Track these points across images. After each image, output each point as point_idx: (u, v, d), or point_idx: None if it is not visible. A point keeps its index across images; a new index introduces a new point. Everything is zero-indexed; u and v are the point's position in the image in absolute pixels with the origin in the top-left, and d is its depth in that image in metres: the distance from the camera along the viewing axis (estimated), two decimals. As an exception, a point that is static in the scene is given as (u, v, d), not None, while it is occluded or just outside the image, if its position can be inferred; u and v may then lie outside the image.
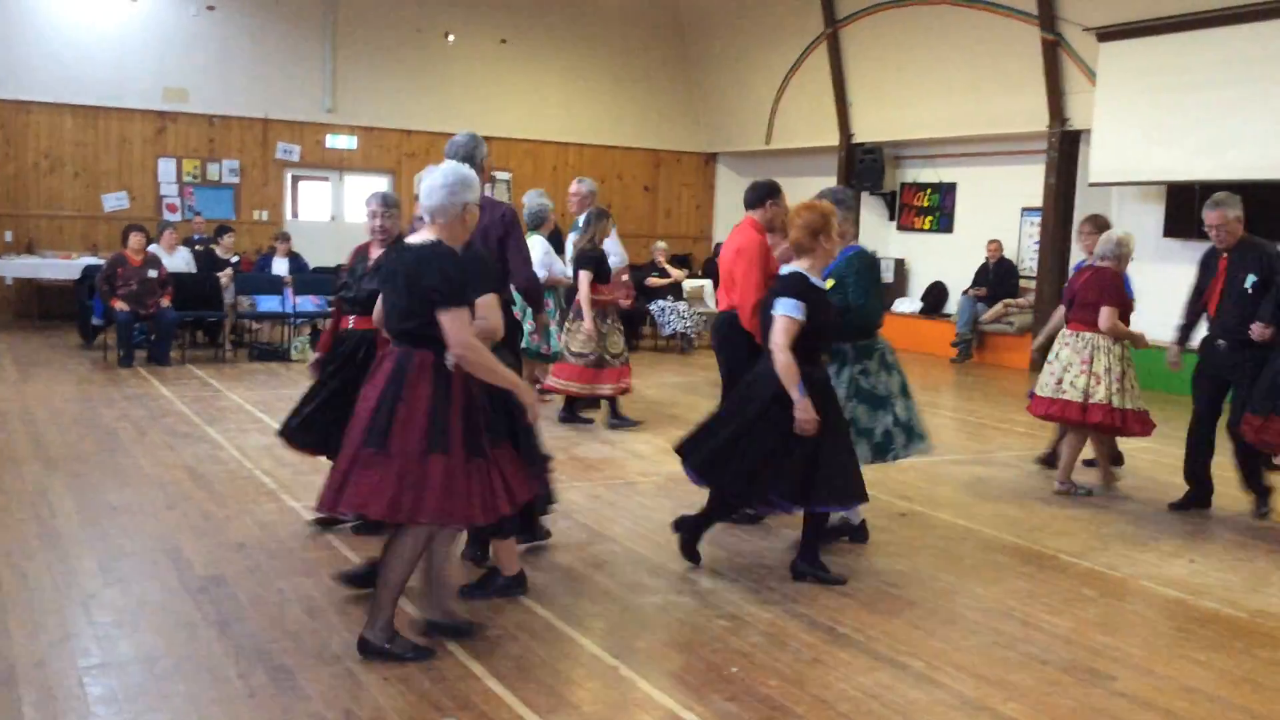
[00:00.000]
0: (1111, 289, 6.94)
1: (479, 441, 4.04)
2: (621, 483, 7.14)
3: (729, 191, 19.09)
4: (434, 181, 4.06)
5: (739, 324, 5.91)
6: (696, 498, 6.55)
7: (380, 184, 16.63)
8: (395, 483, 3.87)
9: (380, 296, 4.38)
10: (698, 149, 19.32)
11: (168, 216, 15.46)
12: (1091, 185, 12.75)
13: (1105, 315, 6.88)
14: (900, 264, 16.26)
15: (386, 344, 4.26)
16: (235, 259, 13.67)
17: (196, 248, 13.52)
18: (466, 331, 3.93)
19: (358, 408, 4.08)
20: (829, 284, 5.47)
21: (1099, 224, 7.58)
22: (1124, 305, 7.02)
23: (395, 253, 4.21)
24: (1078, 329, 7.04)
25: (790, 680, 4.09)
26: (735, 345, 5.94)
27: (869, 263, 5.75)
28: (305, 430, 5.65)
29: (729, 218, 17.64)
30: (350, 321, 5.74)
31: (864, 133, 16.07)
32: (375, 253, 5.60)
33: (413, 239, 4.11)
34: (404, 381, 3.95)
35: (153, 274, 11.67)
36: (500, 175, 17.85)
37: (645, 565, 5.44)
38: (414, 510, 3.90)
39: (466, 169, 4.15)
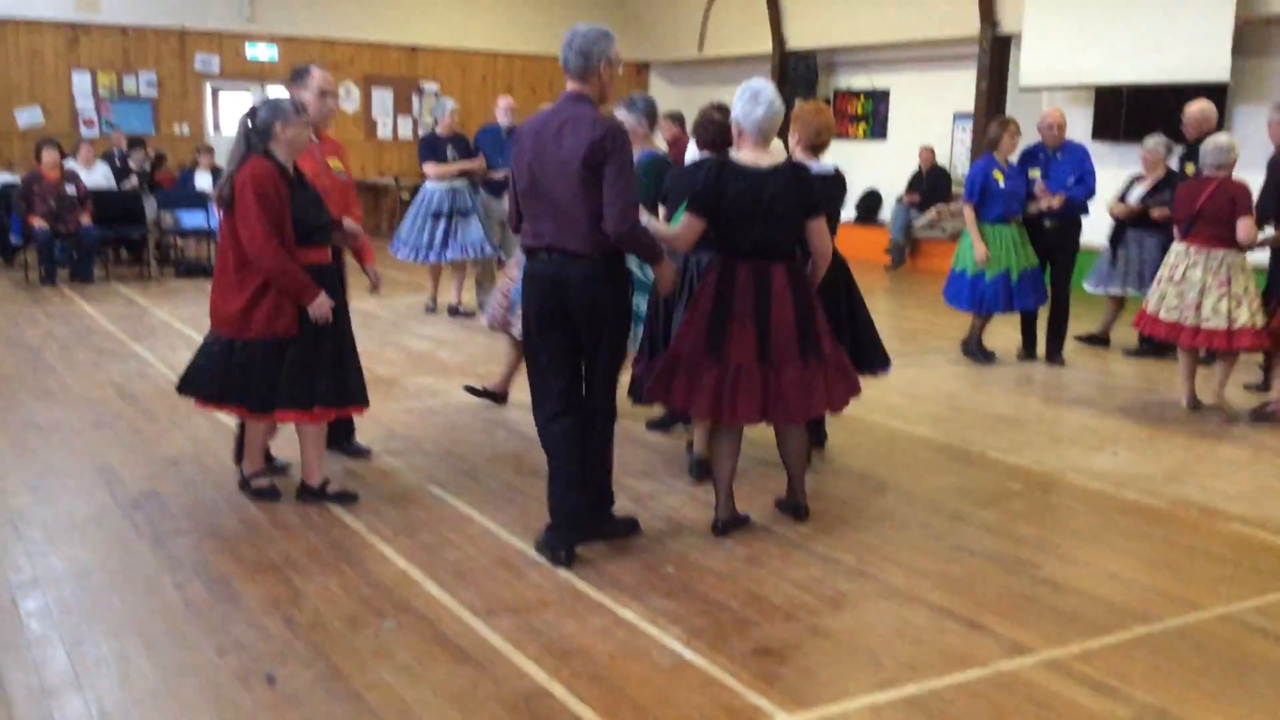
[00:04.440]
0: (1246, 198, 6.54)
1: None
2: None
3: (663, 101, 18.85)
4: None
5: None
6: (637, 406, 6.60)
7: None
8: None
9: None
10: (630, 57, 19.03)
11: (85, 132, 14.97)
12: (1022, 90, 12.81)
13: (1247, 227, 6.48)
14: (835, 172, 16.24)
15: None
16: (148, 167, 13.41)
17: (117, 164, 13.13)
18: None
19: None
20: None
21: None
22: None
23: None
24: (1208, 246, 6.61)
25: (725, 577, 4.17)
26: None
27: (655, 169, 5.76)
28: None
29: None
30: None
31: (797, 39, 15.94)
32: None
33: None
34: None
35: (71, 190, 11.32)
36: (428, 86, 17.49)
37: (583, 471, 5.48)
38: None
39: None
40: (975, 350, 8.22)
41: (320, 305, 4.59)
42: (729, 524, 4.61)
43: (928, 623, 3.83)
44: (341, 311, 4.81)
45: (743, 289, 4.33)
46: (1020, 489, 5.38)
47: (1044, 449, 6.08)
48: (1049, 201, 7.91)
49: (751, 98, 4.32)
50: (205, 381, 4.67)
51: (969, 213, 7.89)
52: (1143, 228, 8.44)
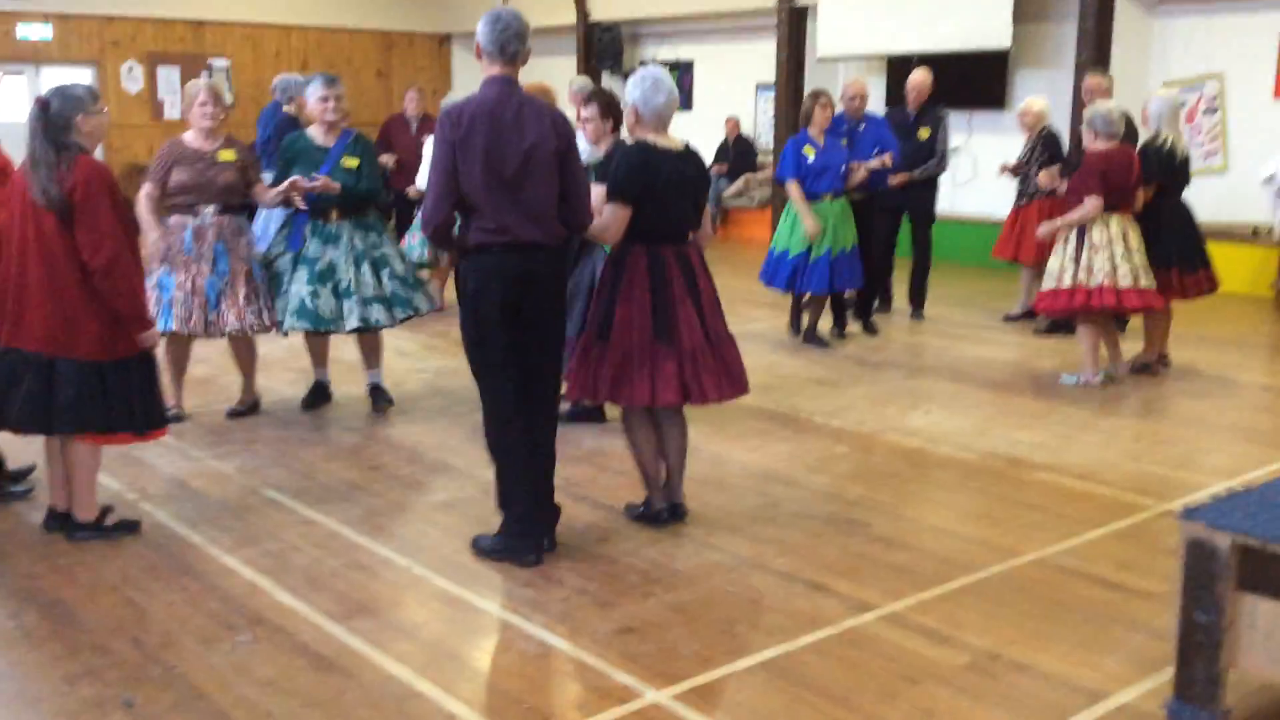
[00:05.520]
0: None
1: None
2: (389, 382, 7.06)
3: (467, 75, 18.64)
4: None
5: None
6: (468, 390, 6.59)
7: (83, 76, 15.24)
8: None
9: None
10: (431, 29, 18.70)
11: None
12: (820, 60, 13.25)
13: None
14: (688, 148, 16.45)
15: None
16: None
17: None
18: None
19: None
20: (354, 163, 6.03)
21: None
22: None
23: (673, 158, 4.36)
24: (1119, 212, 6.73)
25: (580, 559, 4.26)
26: None
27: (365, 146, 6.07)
28: None
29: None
30: None
31: (601, 11, 16.00)
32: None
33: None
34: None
35: None
36: (218, 63, 16.74)
37: (425, 463, 5.46)
38: None
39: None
40: (813, 335, 8.12)
41: (153, 335, 4.35)
42: (678, 508, 4.63)
43: (776, 588, 4.02)
44: None
45: (673, 271, 4.34)
46: (846, 451, 5.66)
47: (864, 411, 6.40)
48: (860, 172, 8.10)
49: (653, 85, 4.33)
50: (34, 412, 4.20)
51: (794, 189, 7.67)
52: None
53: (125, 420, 4.31)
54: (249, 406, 6.30)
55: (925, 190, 8.88)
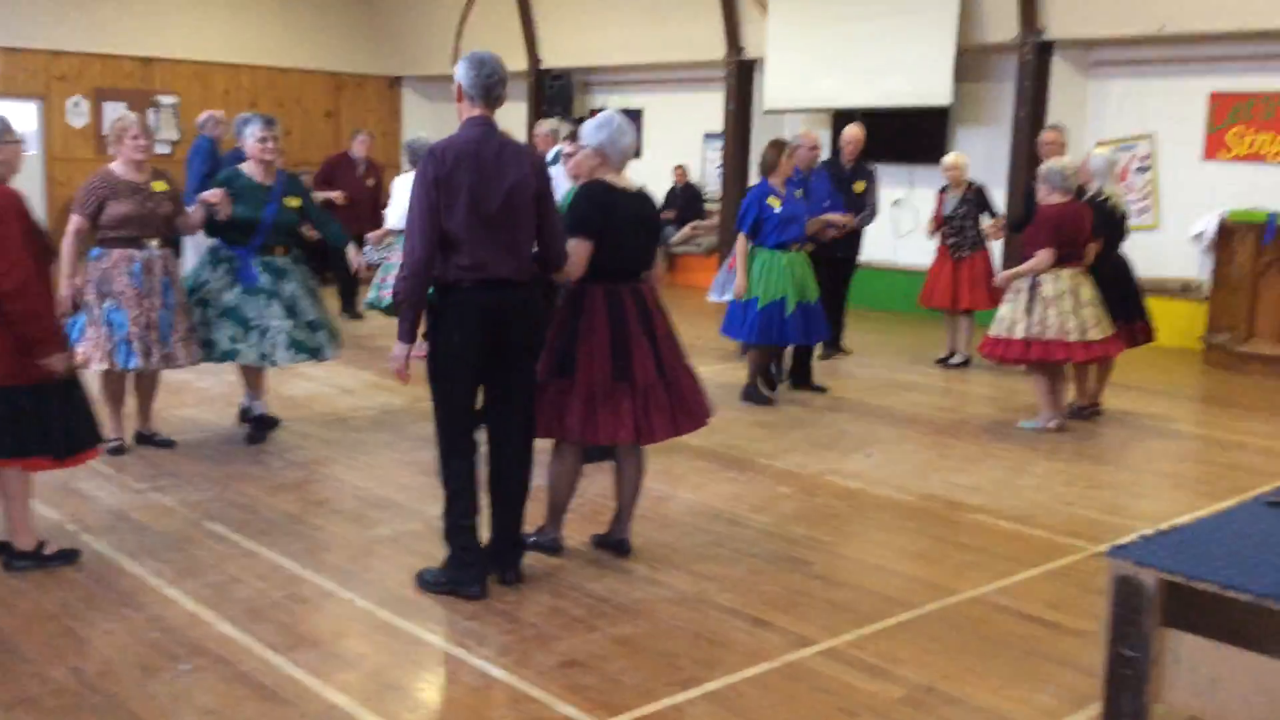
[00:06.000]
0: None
1: None
2: (333, 418, 7.05)
3: (417, 118, 18.73)
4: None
5: None
6: (414, 428, 6.61)
7: (29, 110, 15.11)
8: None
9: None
10: (382, 72, 18.79)
11: None
12: (766, 112, 13.51)
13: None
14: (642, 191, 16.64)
15: None
16: None
17: None
18: None
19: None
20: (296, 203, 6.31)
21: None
22: None
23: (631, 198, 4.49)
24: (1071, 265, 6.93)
25: (525, 594, 4.28)
26: None
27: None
28: None
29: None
30: None
31: (551, 58, 16.19)
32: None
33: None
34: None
35: None
36: (165, 99, 16.68)
37: (368, 499, 5.46)
38: None
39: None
40: (754, 393, 7.81)
41: (60, 359, 4.25)
42: (623, 544, 4.71)
43: (718, 623, 4.07)
44: None
45: (630, 308, 4.43)
46: (789, 492, 5.75)
47: (806, 453, 6.50)
48: (842, 222, 8.32)
49: (619, 128, 4.45)
50: None
51: (741, 243, 7.49)
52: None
53: (39, 445, 4.27)
54: (163, 439, 6.30)
55: (853, 239, 9.07)
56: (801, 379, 8.27)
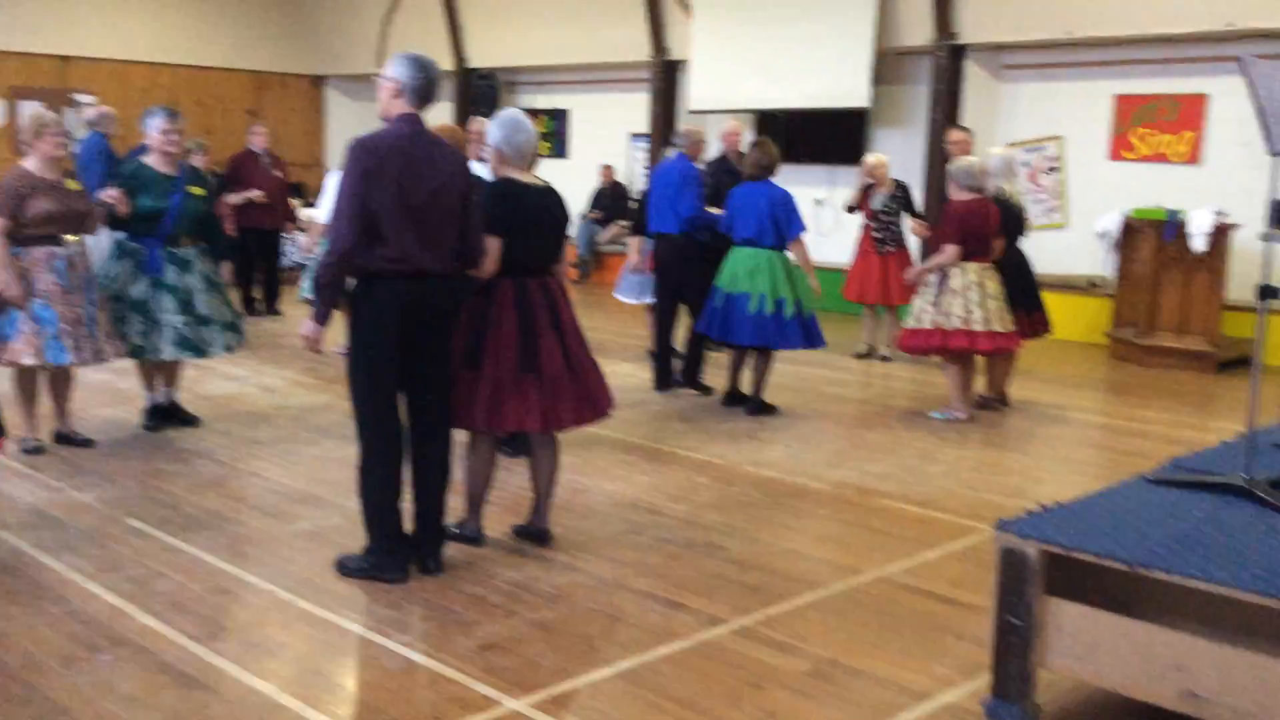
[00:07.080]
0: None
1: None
2: (256, 416, 7.07)
3: (340, 117, 18.63)
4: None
5: None
6: (335, 425, 6.65)
7: (-59, 108, 14.78)
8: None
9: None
10: (305, 70, 18.65)
11: None
12: (691, 113, 13.69)
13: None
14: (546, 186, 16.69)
15: None
16: None
17: None
18: None
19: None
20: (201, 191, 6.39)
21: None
22: None
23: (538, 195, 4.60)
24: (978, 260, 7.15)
25: (445, 581, 4.37)
26: None
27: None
28: None
29: (341, 144, 17.23)
30: None
31: (478, 58, 16.23)
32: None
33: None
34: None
35: None
36: (84, 99, 16.40)
37: (290, 494, 5.51)
38: None
39: None
40: (696, 379, 7.87)
41: None
42: (544, 533, 4.82)
43: (634, 606, 4.21)
44: None
45: (537, 301, 4.54)
46: (706, 482, 5.90)
47: (725, 445, 6.66)
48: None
49: (514, 125, 4.56)
50: None
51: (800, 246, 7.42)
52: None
53: None
54: (83, 438, 6.27)
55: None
56: (691, 377, 8.03)
